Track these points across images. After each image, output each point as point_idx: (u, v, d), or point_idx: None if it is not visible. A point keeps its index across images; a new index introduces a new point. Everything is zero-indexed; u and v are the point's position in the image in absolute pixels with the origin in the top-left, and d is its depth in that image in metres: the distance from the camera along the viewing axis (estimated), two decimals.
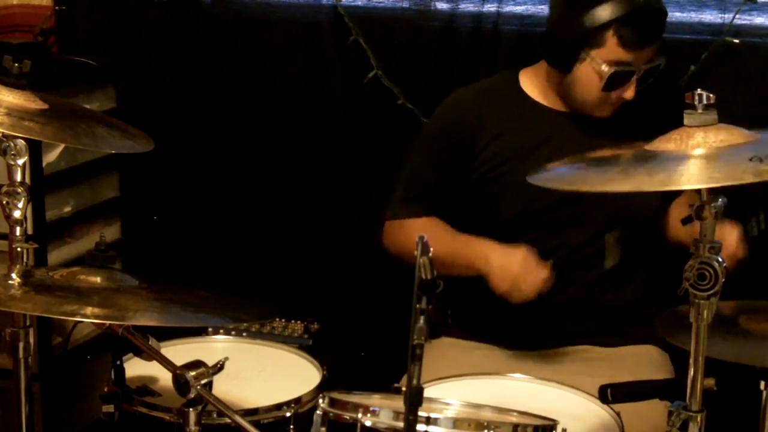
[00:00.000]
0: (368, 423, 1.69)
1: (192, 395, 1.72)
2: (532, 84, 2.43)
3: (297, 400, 2.07)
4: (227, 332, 2.50)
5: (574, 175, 1.81)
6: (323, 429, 1.74)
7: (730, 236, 2.10)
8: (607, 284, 2.39)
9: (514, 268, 2.18)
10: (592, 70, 2.27)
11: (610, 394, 1.86)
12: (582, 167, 1.84)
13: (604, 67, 2.25)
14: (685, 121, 1.63)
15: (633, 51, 2.24)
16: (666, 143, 1.63)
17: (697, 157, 1.58)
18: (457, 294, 2.32)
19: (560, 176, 1.85)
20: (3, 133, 1.91)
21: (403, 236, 2.41)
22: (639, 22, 2.23)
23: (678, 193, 2.34)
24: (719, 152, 1.58)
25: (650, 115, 2.34)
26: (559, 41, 2.30)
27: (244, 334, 2.58)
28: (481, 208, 2.40)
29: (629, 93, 2.29)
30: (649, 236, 2.43)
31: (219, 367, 1.76)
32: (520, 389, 2.10)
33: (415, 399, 1.46)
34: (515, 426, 1.70)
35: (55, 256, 2.88)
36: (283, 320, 2.70)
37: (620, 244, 2.38)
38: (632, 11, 2.21)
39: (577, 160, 1.87)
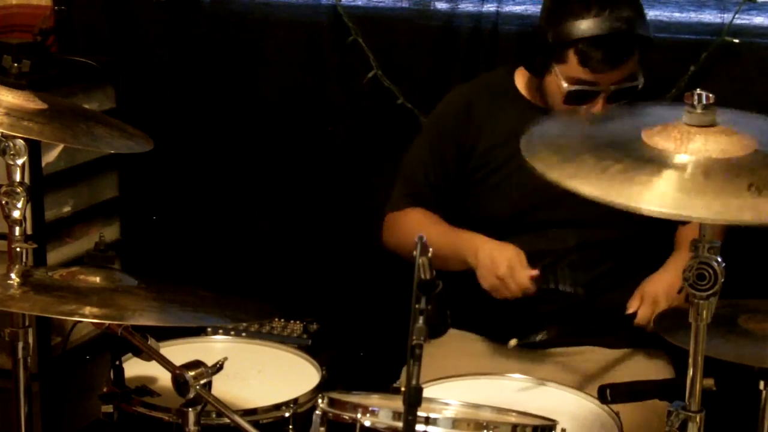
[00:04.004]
0: (367, 423, 1.69)
1: (191, 395, 1.72)
2: (524, 82, 2.43)
3: (296, 400, 2.07)
4: (226, 332, 2.50)
5: (568, 171, 1.79)
6: (322, 429, 1.74)
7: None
8: (607, 285, 2.38)
9: (501, 265, 2.19)
10: (556, 85, 2.27)
11: (609, 394, 1.86)
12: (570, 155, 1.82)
13: (564, 84, 2.25)
14: (684, 119, 1.62)
15: (596, 73, 2.22)
16: (666, 140, 1.62)
17: (694, 175, 1.55)
18: (456, 294, 2.32)
19: (554, 164, 1.83)
20: (2, 132, 1.91)
21: (398, 229, 2.44)
22: (603, 46, 2.20)
23: None
24: (718, 167, 1.56)
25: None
26: (532, 49, 2.31)
27: (243, 334, 2.57)
28: (474, 208, 2.40)
29: (596, 109, 2.26)
30: (647, 237, 2.42)
31: (218, 367, 1.76)
32: (519, 389, 2.10)
33: (414, 399, 1.46)
34: (514, 426, 1.70)
35: (54, 256, 2.88)
36: (282, 320, 2.70)
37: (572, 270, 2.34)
38: (596, 36, 2.19)
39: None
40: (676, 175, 1.54)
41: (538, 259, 2.33)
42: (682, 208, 1.50)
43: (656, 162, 1.57)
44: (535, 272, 2.18)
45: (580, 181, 1.58)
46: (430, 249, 1.53)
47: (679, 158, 1.56)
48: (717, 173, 1.53)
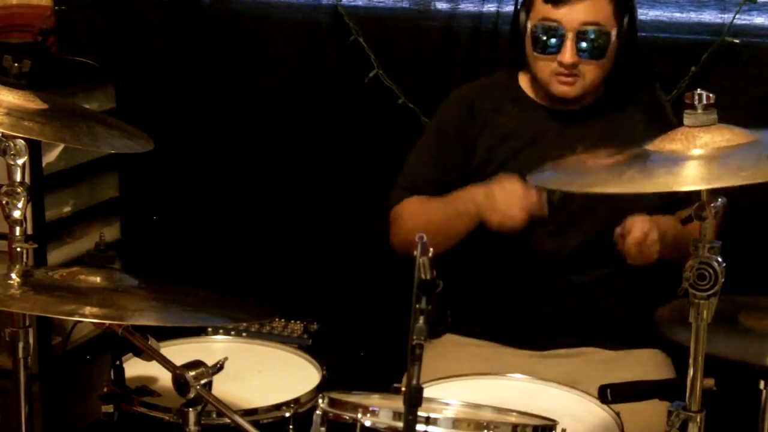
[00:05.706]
0: (368, 423, 1.69)
1: (191, 395, 1.71)
2: (528, 81, 2.43)
3: (296, 400, 2.07)
4: (227, 332, 2.50)
5: (586, 182, 1.79)
6: (323, 429, 1.74)
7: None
8: (607, 286, 2.38)
9: (496, 194, 2.17)
10: (528, 36, 2.29)
11: (610, 394, 1.86)
12: (583, 171, 1.83)
13: (529, 26, 2.27)
14: (685, 121, 1.63)
15: (558, 6, 2.22)
16: (671, 144, 1.62)
17: (707, 158, 1.57)
18: (457, 294, 2.32)
19: (564, 177, 1.84)
20: (3, 132, 1.91)
21: (399, 221, 2.40)
22: None
23: (680, 199, 2.27)
24: (729, 152, 1.58)
25: (643, 116, 2.34)
26: (513, 33, 2.35)
27: (244, 334, 2.57)
28: None
29: (564, 56, 2.23)
30: None
31: (218, 367, 1.76)
32: (520, 389, 2.10)
33: (414, 399, 1.46)
34: (515, 426, 1.70)
35: (54, 256, 2.88)
36: (283, 320, 2.70)
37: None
38: None
39: (576, 164, 1.86)
40: (694, 162, 1.57)
41: (541, 261, 2.33)
42: (714, 180, 1.53)
43: (670, 160, 1.58)
44: (532, 188, 2.14)
45: (601, 186, 1.59)
46: (430, 249, 1.53)
47: (692, 152, 1.59)
48: (732, 154, 1.57)
